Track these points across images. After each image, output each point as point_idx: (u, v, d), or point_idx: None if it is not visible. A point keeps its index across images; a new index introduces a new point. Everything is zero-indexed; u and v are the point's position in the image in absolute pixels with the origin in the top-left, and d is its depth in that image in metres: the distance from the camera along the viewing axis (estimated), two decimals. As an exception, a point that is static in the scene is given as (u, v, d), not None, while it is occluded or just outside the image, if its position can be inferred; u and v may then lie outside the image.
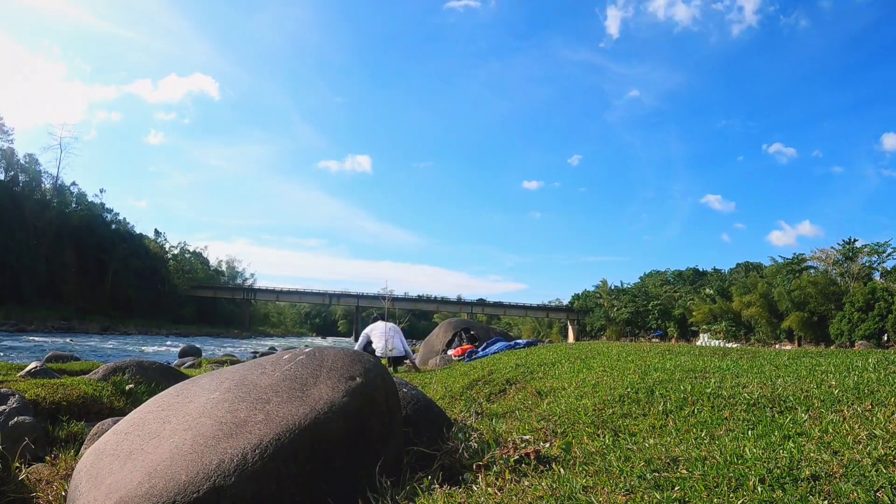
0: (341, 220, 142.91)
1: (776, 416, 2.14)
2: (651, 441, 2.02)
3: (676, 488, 1.48)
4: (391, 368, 8.12)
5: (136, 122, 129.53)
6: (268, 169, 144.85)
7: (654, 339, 50.61)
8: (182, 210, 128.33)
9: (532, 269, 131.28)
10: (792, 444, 1.69)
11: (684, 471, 1.58)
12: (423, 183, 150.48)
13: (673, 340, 51.85)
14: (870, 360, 3.09)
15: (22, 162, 57.48)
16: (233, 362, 10.70)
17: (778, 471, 1.48)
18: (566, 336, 70.53)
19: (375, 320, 8.42)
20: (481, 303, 76.18)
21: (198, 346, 19.47)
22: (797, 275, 50.09)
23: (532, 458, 1.96)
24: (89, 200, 65.14)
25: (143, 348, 23.00)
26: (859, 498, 1.28)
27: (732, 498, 1.37)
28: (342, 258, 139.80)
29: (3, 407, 3.50)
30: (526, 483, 1.74)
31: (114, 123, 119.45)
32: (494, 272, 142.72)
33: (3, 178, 54.82)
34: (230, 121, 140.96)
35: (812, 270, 51.07)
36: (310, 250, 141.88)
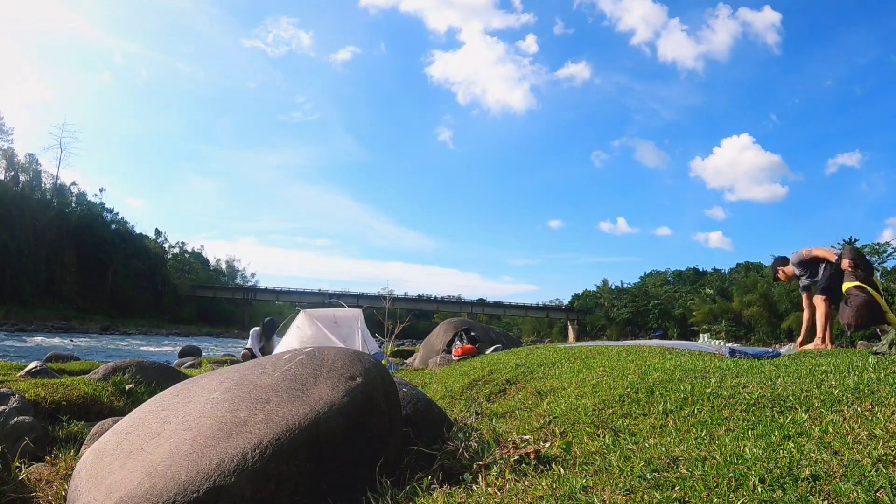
0: (360, 223, 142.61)
1: (776, 416, 2.14)
2: (651, 441, 2.02)
3: (676, 488, 1.48)
4: None
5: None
6: (294, 175, 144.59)
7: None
8: (195, 214, 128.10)
9: (541, 270, 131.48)
10: (792, 444, 1.69)
11: (684, 471, 1.58)
12: (443, 190, 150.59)
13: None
14: (870, 360, 3.09)
15: (22, 162, 57.53)
16: (233, 362, 10.70)
17: (778, 471, 1.47)
18: (566, 336, 70.55)
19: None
20: (481, 303, 76.16)
21: (198, 345, 19.46)
22: (797, 275, 50.07)
23: (532, 458, 1.96)
24: (89, 200, 65.24)
25: (143, 348, 22.99)
26: (859, 498, 1.28)
27: (732, 498, 1.37)
28: (352, 258, 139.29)
29: (4, 407, 3.50)
30: (526, 483, 1.74)
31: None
32: (507, 273, 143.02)
33: (3, 177, 54.84)
34: (259, 128, 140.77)
35: (812, 270, 51.04)
36: (318, 250, 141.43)
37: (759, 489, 1.39)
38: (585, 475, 1.70)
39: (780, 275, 6.12)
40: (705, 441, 1.91)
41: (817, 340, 5.62)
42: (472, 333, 9.80)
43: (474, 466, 2.03)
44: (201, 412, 2.11)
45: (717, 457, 1.66)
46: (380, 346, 8.98)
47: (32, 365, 5.73)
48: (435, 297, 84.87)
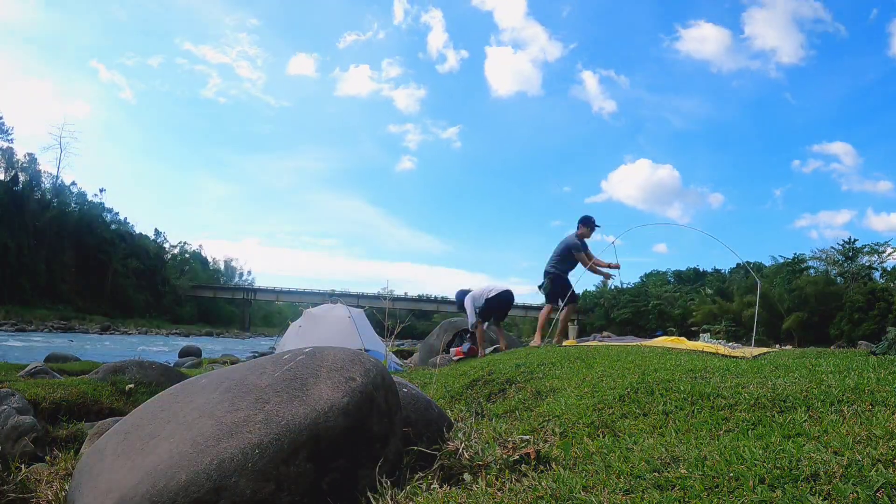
0: (372, 226, 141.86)
1: (776, 416, 2.14)
2: (651, 441, 2.02)
3: (676, 488, 1.48)
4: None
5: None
6: (312, 179, 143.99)
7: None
8: (208, 218, 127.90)
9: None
10: (792, 444, 1.69)
11: (684, 471, 1.58)
12: (461, 197, 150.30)
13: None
14: (870, 360, 3.09)
15: (22, 161, 57.57)
16: (233, 362, 10.71)
17: (778, 471, 1.48)
18: (566, 336, 70.39)
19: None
20: (481, 303, 76.07)
21: (198, 346, 19.47)
22: (797, 275, 50.16)
23: (532, 458, 1.97)
24: (89, 200, 65.27)
25: (142, 348, 22.98)
26: (859, 498, 1.28)
27: (732, 498, 1.37)
28: (356, 258, 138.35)
29: (4, 407, 3.50)
30: (526, 483, 1.74)
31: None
32: (515, 275, 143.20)
33: (3, 177, 54.85)
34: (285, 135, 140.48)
35: (812, 270, 51.17)
36: (324, 250, 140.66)
37: (759, 489, 1.39)
38: (585, 475, 1.70)
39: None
40: (705, 441, 1.91)
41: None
42: (473, 333, 9.78)
43: (474, 466, 2.03)
44: (201, 412, 2.11)
45: (717, 457, 1.66)
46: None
47: (32, 365, 5.74)
48: (435, 298, 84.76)
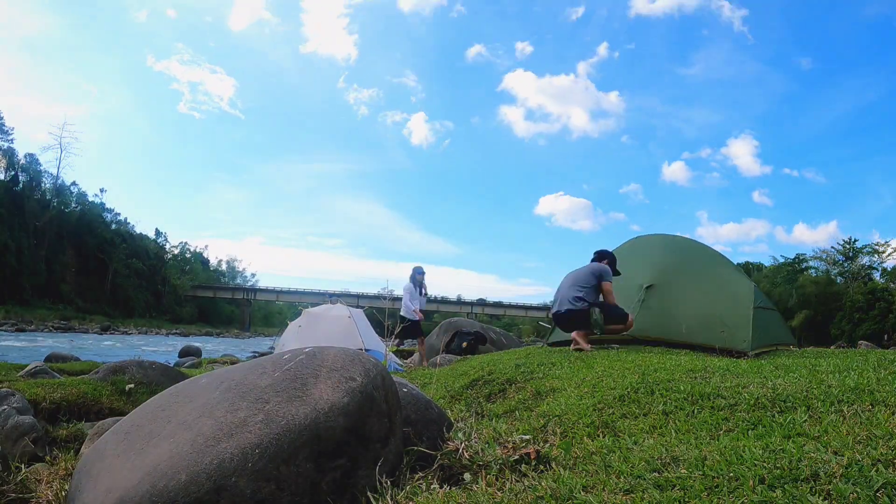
0: (384, 228, 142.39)
1: (776, 416, 2.14)
2: (651, 441, 2.02)
3: (676, 488, 1.48)
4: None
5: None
6: (328, 182, 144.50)
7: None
8: (219, 221, 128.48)
9: (550, 272, 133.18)
10: (792, 444, 1.69)
11: (684, 471, 1.58)
12: (473, 200, 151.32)
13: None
14: (870, 360, 3.09)
15: (22, 161, 57.57)
16: (233, 362, 10.71)
17: (778, 471, 1.48)
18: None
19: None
20: (481, 303, 76.25)
21: (198, 346, 19.48)
22: (798, 274, 50.19)
23: (532, 458, 1.96)
24: (89, 200, 65.26)
25: (143, 348, 22.98)
26: (859, 498, 1.28)
27: (732, 498, 1.37)
28: (361, 258, 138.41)
29: (4, 407, 3.50)
30: (526, 483, 1.74)
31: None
32: (524, 276, 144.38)
33: (3, 177, 54.85)
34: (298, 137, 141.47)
35: (812, 270, 51.22)
36: (329, 249, 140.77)
37: (759, 489, 1.39)
38: (585, 475, 1.70)
39: None
40: (705, 441, 1.91)
41: None
42: (472, 333, 9.80)
43: (474, 466, 2.03)
44: (201, 412, 2.11)
45: (717, 457, 1.66)
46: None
47: (32, 365, 5.74)
48: (435, 297, 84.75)
